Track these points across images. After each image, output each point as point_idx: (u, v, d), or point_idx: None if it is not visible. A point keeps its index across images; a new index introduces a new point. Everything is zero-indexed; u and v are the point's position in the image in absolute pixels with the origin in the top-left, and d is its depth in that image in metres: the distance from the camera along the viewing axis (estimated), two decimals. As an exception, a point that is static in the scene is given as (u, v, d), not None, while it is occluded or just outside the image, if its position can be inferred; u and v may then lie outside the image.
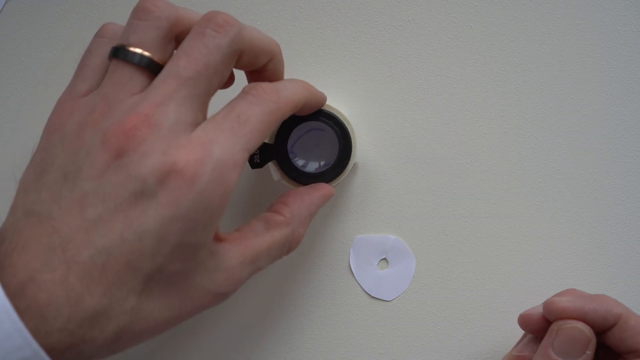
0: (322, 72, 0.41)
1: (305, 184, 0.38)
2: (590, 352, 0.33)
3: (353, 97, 0.41)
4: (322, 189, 0.36)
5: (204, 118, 0.30)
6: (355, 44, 0.41)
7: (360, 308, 0.41)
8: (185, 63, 0.29)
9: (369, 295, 0.41)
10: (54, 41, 0.42)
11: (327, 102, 0.39)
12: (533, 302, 0.40)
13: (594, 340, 0.33)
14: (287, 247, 0.33)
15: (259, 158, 0.38)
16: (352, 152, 0.38)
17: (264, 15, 0.41)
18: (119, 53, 0.29)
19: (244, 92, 0.30)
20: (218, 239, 0.30)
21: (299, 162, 0.39)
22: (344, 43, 0.41)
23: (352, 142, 0.39)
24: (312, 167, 0.39)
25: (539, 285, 0.41)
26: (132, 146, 0.27)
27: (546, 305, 0.34)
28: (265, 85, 0.31)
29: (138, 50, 0.29)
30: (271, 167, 0.39)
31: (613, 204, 0.41)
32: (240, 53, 0.30)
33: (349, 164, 0.39)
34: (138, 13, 0.30)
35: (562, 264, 0.41)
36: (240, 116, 0.29)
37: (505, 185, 0.41)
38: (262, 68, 0.33)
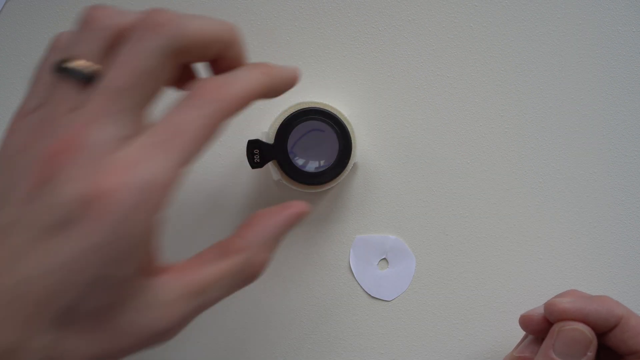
0: (322, 72, 0.41)
1: (305, 184, 0.38)
2: (591, 354, 0.33)
3: (353, 97, 0.41)
4: (291, 207, 0.31)
5: (140, 130, 0.27)
6: (355, 44, 0.41)
7: (361, 308, 0.41)
8: (114, 74, 0.27)
9: (369, 295, 0.41)
10: (54, 41, 0.42)
11: (327, 102, 0.39)
12: (533, 302, 0.40)
13: (595, 342, 0.33)
14: (245, 275, 0.30)
15: (259, 158, 0.38)
16: (352, 152, 0.38)
17: (264, 15, 0.41)
18: (59, 68, 0.28)
19: (184, 95, 0.27)
20: (153, 271, 0.28)
21: (299, 162, 0.39)
22: (344, 43, 0.41)
23: (352, 142, 0.39)
24: (312, 167, 0.39)
25: (539, 285, 0.41)
26: (56, 171, 0.26)
27: (547, 306, 0.34)
28: (207, 82, 0.28)
29: (78, 64, 0.28)
30: (271, 167, 0.39)
31: (613, 204, 0.41)
32: (182, 51, 0.27)
33: (349, 164, 0.39)
34: (80, 23, 0.29)
35: (562, 263, 0.41)
36: (176, 125, 0.26)
37: (505, 185, 0.41)
38: (218, 58, 0.30)
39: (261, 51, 0.41)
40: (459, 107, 0.41)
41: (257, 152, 0.38)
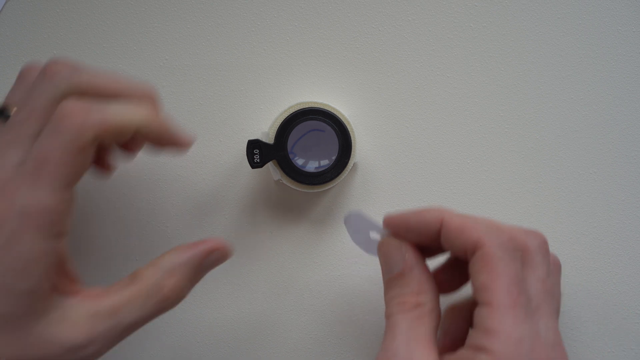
0: (322, 72, 0.41)
1: (305, 184, 0.38)
2: (409, 255, 0.33)
3: (353, 97, 0.41)
4: (208, 241, 0.34)
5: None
6: (355, 44, 0.41)
7: (359, 307, 0.41)
8: (17, 113, 0.32)
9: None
10: (54, 41, 0.42)
11: (327, 102, 0.39)
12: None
13: (405, 244, 0.33)
14: (156, 299, 0.32)
15: (259, 158, 0.38)
16: (352, 152, 0.38)
17: (264, 15, 0.41)
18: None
19: (50, 121, 0.30)
20: (69, 291, 0.31)
21: (299, 162, 0.39)
22: (344, 43, 0.41)
23: (352, 142, 0.39)
24: (312, 167, 0.39)
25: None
26: None
27: (384, 217, 0.35)
28: (69, 107, 0.29)
29: (4, 107, 0.33)
30: (271, 167, 0.39)
31: (613, 204, 0.41)
32: (73, 94, 0.31)
33: (348, 164, 0.39)
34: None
35: (563, 263, 0.41)
36: (39, 155, 0.29)
37: (506, 185, 0.41)
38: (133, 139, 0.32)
39: (261, 51, 0.41)
40: (458, 107, 0.41)
41: (257, 152, 0.38)
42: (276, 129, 0.38)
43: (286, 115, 0.38)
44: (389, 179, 0.41)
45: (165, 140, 0.32)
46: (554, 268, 0.34)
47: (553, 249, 0.41)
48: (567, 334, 0.41)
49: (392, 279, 0.34)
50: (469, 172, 0.41)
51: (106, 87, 0.31)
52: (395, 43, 0.41)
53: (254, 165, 0.38)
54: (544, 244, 0.34)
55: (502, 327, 0.30)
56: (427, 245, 0.34)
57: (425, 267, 0.34)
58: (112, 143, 0.32)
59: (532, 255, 0.33)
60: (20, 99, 0.33)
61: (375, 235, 0.36)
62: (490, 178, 0.41)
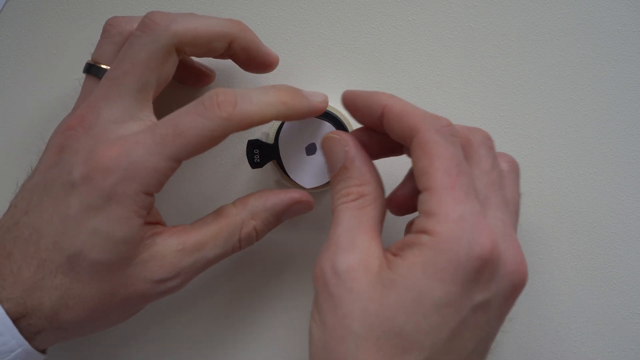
0: (322, 72, 0.41)
1: (305, 184, 0.39)
2: (350, 148, 0.33)
3: (353, 97, 0.41)
4: (292, 192, 0.35)
5: (144, 111, 0.33)
6: (355, 44, 0.41)
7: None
8: (114, 66, 0.33)
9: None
10: (54, 41, 0.42)
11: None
12: (528, 302, 0.40)
13: (345, 136, 0.34)
14: (237, 238, 0.34)
15: (259, 158, 0.38)
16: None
17: (264, 15, 0.41)
18: (85, 68, 0.36)
19: (199, 100, 0.32)
20: (154, 232, 0.32)
21: (299, 162, 0.39)
22: (344, 43, 0.41)
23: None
24: (312, 167, 0.39)
25: (536, 283, 0.41)
26: (68, 144, 0.32)
27: (343, 92, 0.35)
28: (223, 96, 0.31)
29: (97, 64, 0.35)
30: (271, 167, 0.39)
31: (613, 204, 0.41)
32: (175, 46, 0.33)
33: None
34: (102, 32, 0.36)
35: (562, 263, 0.41)
36: (178, 126, 0.31)
37: (505, 185, 0.41)
38: (231, 52, 0.35)
39: (261, 51, 0.41)
40: (458, 107, 0.41)
41: (257, 152, 0.38)
42: (276, 129, 0.38)
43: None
44: (389, 179, 0.41)
45: (254, 54, 0.35)
46: (509, 167, 0.34)
47: (554, 247, 0.41)
48: (567, 334, 0.41)
49: (336, 174, 0.33)
50: (469, 172, 0.41)
51: (205, 34, 0.33)
52: (395, 43, 0.41)
53: (254, 165, 0.38)
54: (487, 140, 0.33)
55: (441, 208, 0.29)
56: (375, 129, 0.34)
57: (367, 158, 0.34)
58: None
59: (474, 148, 0.33)
60: (111, 54, 0.35)
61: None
62: (490, 178, 0.41)
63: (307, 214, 0.38)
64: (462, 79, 0.41)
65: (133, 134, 0.31)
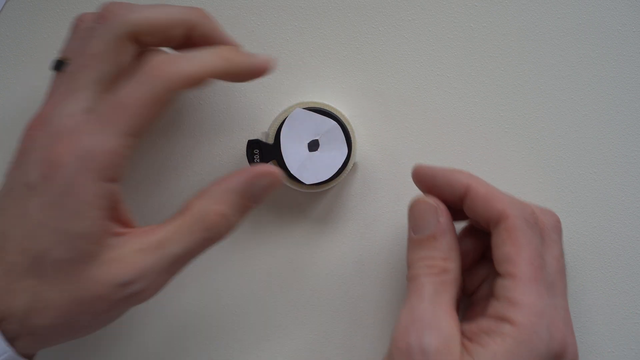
0: (322, 72, 0.41)
1: (305, 184, 0.38)
2: (443, 219, 0.33)
3: (353, 97, 0.41)
4: (254, 167, 0.33)
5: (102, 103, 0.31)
6: (355, 44, 0.41)
7: (367, 301, 0.41)
8: (72, 60, 0.32)
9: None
10: (54, 41, 0.42)
11: (327, 102, 0.39)
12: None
13: (442, 207, 0.33)
14: (203, 227, 0.32)
15: (259, 158, 0.38)
16: (352, 152, 0.38)
17: (264, 15, 0.41)
18: (52, 65, 0.34)
19: (138, 70, 0.31)
20: (117, 232, 0.31)
21: (299, 162, 0.39)
22: (344, 43, 0.41)
23: (352, 142, 0.39)
24: (312, 167, 0.39)
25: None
26: (27, 146, 0.31)
27: (414, 167, 0.35)
28: (156, 58, 0.31)
29: (66, 60, 0.33)
30: (271, 167, 0.39)
31: (613, 204, 0.41)
32: (133, 36, 0.31)
33: (348, 164, 0.39)
34: (70, 28, 0.35)
35: (562, 264, 0.41)
36: (118, 101, 0.30)
37: (505, 186, 0.41)
38: (190, 40, 0.33)
39: (261, 51, 0.41)
40: (458, 107, 0.41)
41: (257, 152, 0.38)
42: (276, 129, 0.38)
43: (286, 115, 0.38)
44: (389, 179, 0.41)
45: (216, 41, 0.34)
46: (557, 236, 0.35)
47: (553, 249, 0.41)
48: (567, 334, 0.41)
49: (422, 240, 0.33)
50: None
51: (162, 22, 0.32)
52: (395, 43, 0.41)
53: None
54: (558, 223, 0.35)
55: (526, 299, 0.30)
56: (447, 203, 0.34)
57: (455, 234, 0.34)
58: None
59: (548, 233, 0.34)
60: (78, 48, 0.34)
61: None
62: (490, 178, 0.41)
63: (308, 214, 0.39)
64: (462, 79, 0.41)
65: (83, 123, 0.30)
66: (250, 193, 0.33)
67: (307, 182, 0.37)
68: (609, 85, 0.41)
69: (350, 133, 0.38)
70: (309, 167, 0.37)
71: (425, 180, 0.35)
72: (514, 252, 0.31)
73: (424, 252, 0.33)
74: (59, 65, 0.34)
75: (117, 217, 0.32)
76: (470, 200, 0.33)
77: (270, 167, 0.34)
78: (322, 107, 0.39)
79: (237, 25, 0.41)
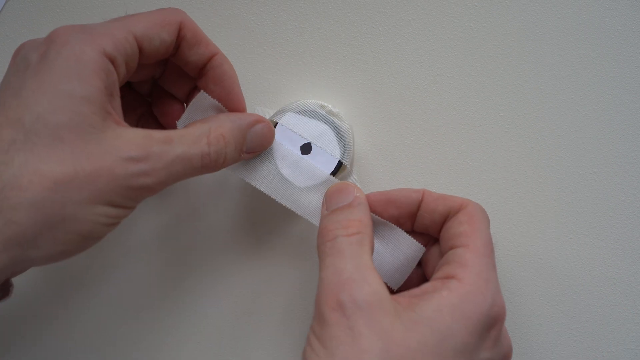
0: (322, 72, 0.41)
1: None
2: (359, 193, 0.35)
3: (352, 97, 0.41)
4: (257, 116, 0.35)
5: None
6: (355, 44, 0.41)
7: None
8: None
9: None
10: (54, 41, 0.42)
11: (326, 102, 0.39)
12: (520, 309, 0.40)
13: (358, 186, 0.35)
14: (205, 141, 0.32)
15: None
16: (347, 155, 0.38)
17: (264, 15, 0.41)
18: None
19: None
20: (118, 121, 0.30)
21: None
22: (344, 43, 0.41)
23: (348, 144, 0.39)
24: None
25: (536, 283, 0.41)
26: (23, 47, 0.31)
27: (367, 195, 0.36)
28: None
29: None
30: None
31: (613, 204, 0.41)
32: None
33: (342, 167, 0.39)
34: None
35: (561, 263, 0.41)
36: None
37: (505, 185, 0.41)
38: (179, 42, 0.34)
39: (261, 51, 0.41)
40: (458, 107, 0.41)
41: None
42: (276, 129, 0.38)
43: (279, 118, 0.38)
44: (389, 179, 0.41)
45: (203, 40, 0.34)
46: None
47: (553, 247, 0.41)
48: (567, 334, 0.41)
49: (337, 209, 0.34)
50: (468, 173, 0.41)
51: (155, 21, 0.33)
52: (395, 43, 0.41)
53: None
54: (484, 211, 0.36)
55: (475, 263, 0.31)
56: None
57: (369, 210, 0.35)
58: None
59: (476, 218, 0.34)
60: None
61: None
62: (490, 178, 0.41)
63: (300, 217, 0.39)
64: (462, 79, 0.41)
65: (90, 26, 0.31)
66: (247, 134, 0.34)
67: (300, 185, 0.37)
68: (609, 85, 0.41)
69: (346, 135, 0.38)
70: (302, 170, 0.37)
71: (379, 200, 0.35)
72: (471, 230, 0.33)
73: (341, 216, 0.33)
74: None
75: (115, 109, 0.31)
76: (428, 201, 0.35)
77: (265, 119, 0.35)
78: (318, 108, 0.38)
79: (237, 25, 0.41)
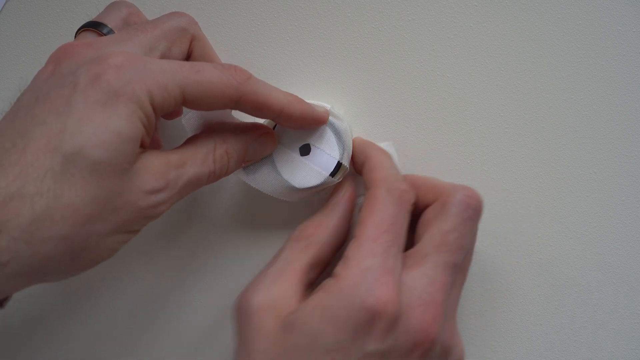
0: (322, 72, 0.41)
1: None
2: (347, 194, 0.37)
3: (353, 97, 0.41)
4: (259, 124, 0.36)
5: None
6: (355, 44, 0.41)
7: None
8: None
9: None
10: (54, 41, 0.42)
11: (326, 102, 0.39)
12: (520, 311, 0.39)
13: (350, 187, 0.37)
14: (212, 158, 0.33)
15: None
16: (346, 156, 0.38)
17: (264, 15, 0.41)
18: (85, 24, 0.35)
19: (218, 63, 0.34)
20: (146, 146, 0.31)
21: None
22: (344, 43, 0.41)
23: (347, 145, 0.39)
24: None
25: (533, 282, 0.41)
26: (66, 56, 0.30)
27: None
28: (240, 68, 0.32)
29: (102, 23, 0.35)
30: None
31: (613, 204, 0.41)
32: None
33: (341, 168, 0.39)
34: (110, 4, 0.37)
35: (561, 262, 0.41)
36: (197, 66, 0.31)
37: (505, 185, 0.41)
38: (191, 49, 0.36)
39: (261, 51, 0.41)
40: (458, 107, 0.41)
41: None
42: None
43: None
44: (389, 179, 0.41)
45: (207, 49, 0.36)
46: (472, 213, 0.35)
47: (553, 247, 0.41)
48: (567, 334, 0.41)
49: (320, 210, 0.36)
50: (469, 172, 0.41)
51: (171, 28, 0.34)
52: (395, 43, 0.41)
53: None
54: (470, 200, 0.34)
55: (354, 255, 0.31)
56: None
57: (348, 216, 0.36)
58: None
59: (447, 207, 0.34)
60: (117, 21, 0.35)
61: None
62: (490, 178, 0.41)
63: (307, 214, 0.38)
64: (462, 79, 0.41)
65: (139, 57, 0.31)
66: (250, 146, 0.35)
67: (298, 187, 0.37)
68: (609, 85, 0.41)
69: (345, 135, 0.38)
70: (301, 171, 0.37)
71: (425, 186, 0.36)
72: (365, 216, 0.32)
73: (311, 219, 0.36)
74: (99, 26, 0.34)
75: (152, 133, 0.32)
76: (365, 168, 0.36)
77: (268, 127, 0.36)
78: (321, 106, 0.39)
79: (237, 25, 0.41)
